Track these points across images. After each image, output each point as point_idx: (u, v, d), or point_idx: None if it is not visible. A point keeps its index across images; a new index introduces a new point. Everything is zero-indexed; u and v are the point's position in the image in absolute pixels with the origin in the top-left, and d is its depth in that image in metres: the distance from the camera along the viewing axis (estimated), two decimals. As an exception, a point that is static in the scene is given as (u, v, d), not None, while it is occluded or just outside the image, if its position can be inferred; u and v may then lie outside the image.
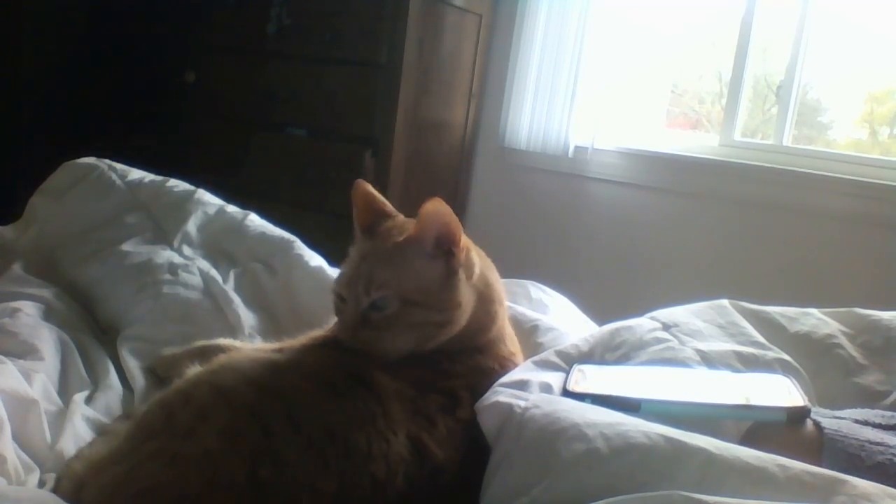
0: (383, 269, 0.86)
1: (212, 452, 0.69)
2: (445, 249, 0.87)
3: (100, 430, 0.97)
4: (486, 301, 0.92)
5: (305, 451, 0.70)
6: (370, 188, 0.98)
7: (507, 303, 1.03)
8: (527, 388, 0.80)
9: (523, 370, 0.88)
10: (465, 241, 0.89)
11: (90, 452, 0.88)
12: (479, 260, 0.92)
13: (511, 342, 0.97)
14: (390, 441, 0.72)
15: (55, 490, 0.82)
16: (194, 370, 0.87)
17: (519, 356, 0.96)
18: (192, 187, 1.51)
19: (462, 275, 0.87)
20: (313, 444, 0.70)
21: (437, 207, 0.86)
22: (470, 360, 0.88)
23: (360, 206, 0.96)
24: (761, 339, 0.95)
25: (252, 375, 0.78)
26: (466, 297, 0.87)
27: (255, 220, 1.46)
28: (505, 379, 0.84)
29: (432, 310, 0.85)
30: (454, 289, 0.86)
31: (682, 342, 0.93)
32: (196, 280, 1.27)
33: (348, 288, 0.87)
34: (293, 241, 1.40)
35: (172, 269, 1.28)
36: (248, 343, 1.11)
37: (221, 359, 0.85)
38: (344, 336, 0.85)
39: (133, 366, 1.11)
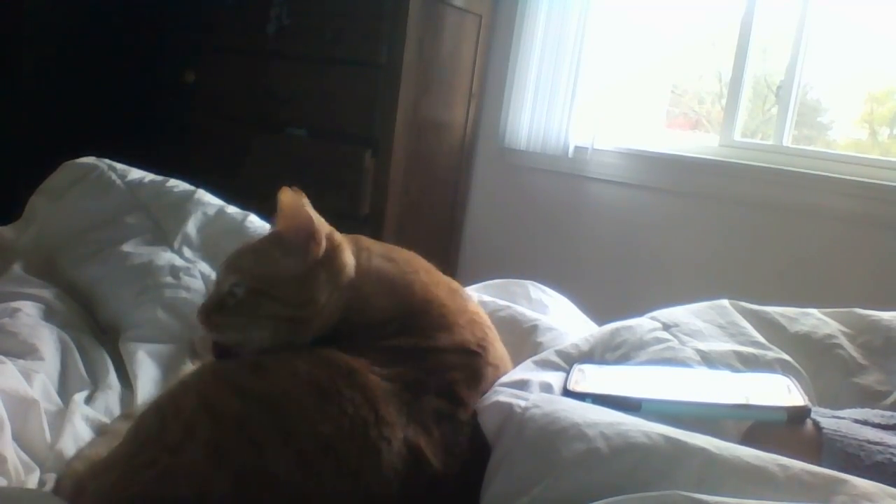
0: (243, 255, 0.86)
1: (199, 469, 0.68)
2: (304, 243, 0.83)
3: (100, 429, 0.97)
4: (384, 285, 0.88)
5: (295, 465, 0.68)
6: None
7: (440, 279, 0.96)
8: (527, 388, 0.80)
9: (523, 369, 0.88)
10: (329, 237, 0.85)
11: (90, 452, 0.88)
12: (351, 260, 0.87)
13: (470, 302, 0.94)
14: (382, 451, 0.70)
15: (56, 490, 0.82)
16: (189, 369, 0.87)
17: (482, 315, 0.94)
18: (191, 187, 1.51)
19: (322, 273, 0.83)
20: (303, 456, 0.68)
21: (287, 199, 0.83)
22: (449, 339, 0.84)
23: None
24: (761, 339, 0.95)
25: (239, 382, 0.75)
26: (326, 295, 0.83)
27: (255, 222, 1.46)
28: (505, 378, 0.84)
29: (280, 302, 0.82)
30: (309, 285, 0.82)
31: (682, 342, 0.93)
32: (198, 284, 1.27)
33: (217, 274, 0.87)
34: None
35: (174, 272, 1.28)
36: None
37: (209, 363, 0.84)
38: (198, 318, 0.84)
39: (136, 366, 1.11)
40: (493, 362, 0.86)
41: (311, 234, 0.83)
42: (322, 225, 0.84)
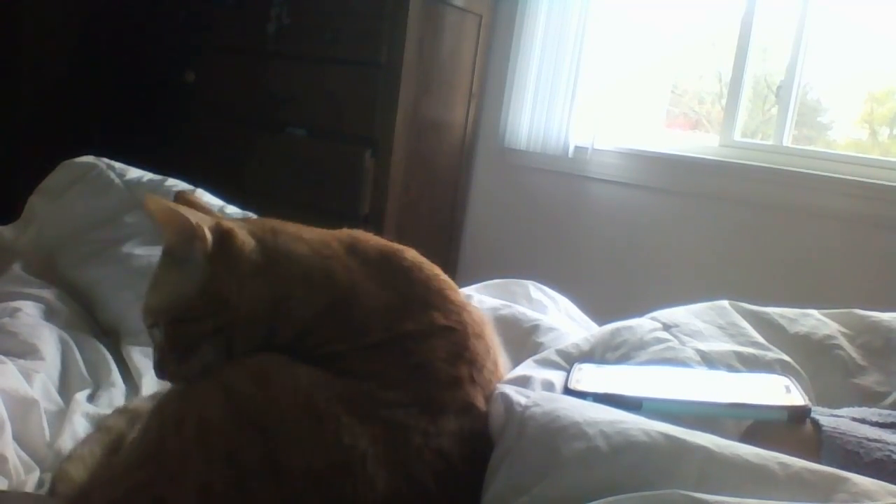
0: (149, 293, 0.79)
1: None
2: (189, 244, 0.76)
3: (97, 424, 0.96)
4: (301, 268, 0.79)
5: (283, 501, 0.66)
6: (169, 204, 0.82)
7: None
8: (529, 385, 0.80)
9: (525, 368, 0.88)
10: (215, 227, 0.77)
11: (83, 452, 0.87)
12: (249, 240, 0.79)
13: (418, 270, 0.85)
14: (379, 487, 0.67)
15: (52, 492, 0.82)
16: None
17: (437, 278, 0.86)
18: (191, 187, 1.51)
19: (219, 266, 0.76)
20: (293, 492, 0.66)
21: (155, 207, 0.76)
22: (413, 325, 0.77)
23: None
24: (761, 339, 0.95)
25: (237, 400, 0.72)
26: (235, 289, 0.76)
27: (255, 221, 1.46)
28: (507, 376, 0.84)
29: (196, 321, 0.76)
30: (213, 287, 0.76)
31: (682, 342, 0.93)
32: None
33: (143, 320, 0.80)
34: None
35: (174, 272, 1.27)
36: None
37: (214, 374, 0.77)
38: (158, 378, 0.80)
39: (140, 366, 1.11)
40: (476, 332, 0.81)
41: (191, 233, 0.76)
42: (201, 218, 0.77)
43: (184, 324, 0.76)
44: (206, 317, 0.76)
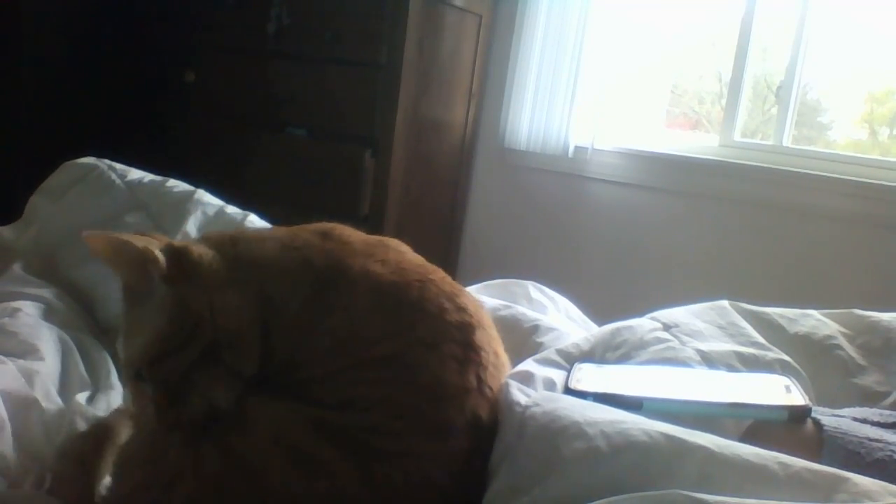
0: (123, 342, 0.74)
1: None
2: (144, 272, 0.71)
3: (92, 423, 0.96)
4: (271, 269, 0.75)
5: None
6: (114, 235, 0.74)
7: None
8: (531, 382, 0.80)
9: (526, 365, 0.88)
10: (167, 249, 0.72)
11: (73, 448, 0.88)
12: (206, 252, 0.75)
13: (406, 254, 0.82)
14: None
15: (50, 491, 0.82)
16: None
17: (423, 266, 0.82)
18: (191, 187, 1.51)
19: (181, 287, 0.71)
20: None
21: (99, 243, 0.71)
22: (423, 324, 0.73)
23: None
24: (761, 339, 0.95)
25: (224, 438, 0.69)
26: (205, 304, 0.71)
27: (255, 222, 1.46)
28: (510, 371, 0.83)
29: (176, 353, 0.70)
30: (181, 311, 0.70)
31: (682, 342, 0.93)
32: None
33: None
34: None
35: (174, 271, 1.27)
36: None
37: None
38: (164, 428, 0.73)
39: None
40: (478, 320, 0.77)
41: (142, 258, 0.70)
42: (148, 241, 0.72)
43: (166, 360, 0.70)
44: (186, 343, 0.70)
